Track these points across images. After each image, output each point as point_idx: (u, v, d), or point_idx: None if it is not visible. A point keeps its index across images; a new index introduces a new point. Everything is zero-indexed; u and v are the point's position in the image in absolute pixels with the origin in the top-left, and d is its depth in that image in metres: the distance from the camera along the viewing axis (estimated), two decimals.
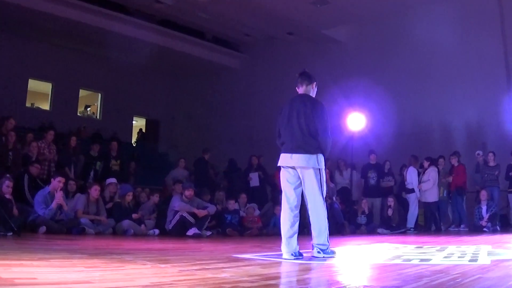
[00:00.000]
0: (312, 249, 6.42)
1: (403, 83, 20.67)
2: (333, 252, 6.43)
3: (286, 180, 6.52)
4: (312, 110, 6.48)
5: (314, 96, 6.86)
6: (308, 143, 6.37)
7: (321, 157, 6.44)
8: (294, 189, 6.46)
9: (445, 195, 16.11)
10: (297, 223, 6.41)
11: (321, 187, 6.41)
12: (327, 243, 6.39)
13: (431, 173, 15.79)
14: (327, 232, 6.44)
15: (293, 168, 6.47)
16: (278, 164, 6.60)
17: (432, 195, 15.80)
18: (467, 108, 18.91)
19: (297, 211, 6.46)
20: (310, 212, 6.46)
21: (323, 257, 6.22)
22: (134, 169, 17.02)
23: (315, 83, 6.93)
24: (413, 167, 16.21)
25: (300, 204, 6.50)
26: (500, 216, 15.65)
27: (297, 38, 23.76)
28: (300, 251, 6.32)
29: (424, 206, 16.24)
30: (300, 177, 6.45)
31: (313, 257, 6.25)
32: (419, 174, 16.19)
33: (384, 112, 19.38)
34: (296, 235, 6.34)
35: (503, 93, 18.56)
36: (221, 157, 19.73)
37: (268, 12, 21.11)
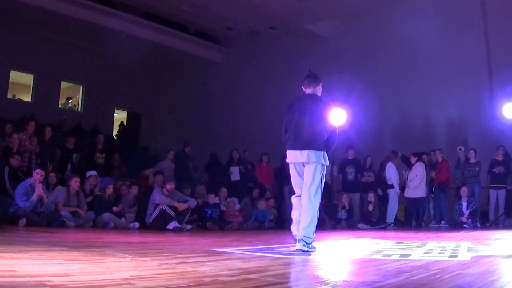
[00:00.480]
0: (298, 241, 6.48)
1: (385, 79, 20.75)
2: (314, 248, 6.50)
3: (295, 176, 6.90)
4: (322, 110, 6.73)
5: (320, 95, 7.07)
6: (316, 141, 6.62)
7: (325, 154, 6.73)
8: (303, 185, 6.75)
9: (427, 190, 16.20)
10: None
11: (321, 182, 6.67)
12: (312, 237, 6.50)
13: (419, 169, 15.86)
14: (315, 226, 6.58)
15: (302, 164, 6.75)
16: (287, 161, 6.94)
17: (419, 191, 15.87)
18: (449, 104, 19.02)
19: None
20: (303, 204, 6.63)
21: (307, 251, 6.30)
22: (119, 161, 16.94)
23: (321, 84, 7.15)
24: (392, 163, 16.28)
25: None
26: (481, 212, 15.77)
27: (279, 33, 23.73)
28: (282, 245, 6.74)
29: (409, 202, 16.27)
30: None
31: (297, 250, 6.33)
32: (404, 170, 16.33)
33: (365, 107, 19.42)
34: None
35: (485, 90, 18.72)
36: (202, 151, 19.70)
37: (251, 6, 21.07)
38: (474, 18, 19.07)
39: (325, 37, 23.20)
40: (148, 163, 17.67)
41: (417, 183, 15.73)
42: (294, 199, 6.96)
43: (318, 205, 6.65)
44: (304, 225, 6.49)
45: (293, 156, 6.80)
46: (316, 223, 6.60)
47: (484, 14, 18.99)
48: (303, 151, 6.65)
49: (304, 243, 6.39)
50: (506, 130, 16.15)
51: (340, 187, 16.94)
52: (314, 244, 6.56)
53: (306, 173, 6.68)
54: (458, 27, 19.28)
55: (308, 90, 7.06)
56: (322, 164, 6.67)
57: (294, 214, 6.89)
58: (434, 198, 16.40)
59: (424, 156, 16.53)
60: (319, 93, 7.09)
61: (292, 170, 6.96)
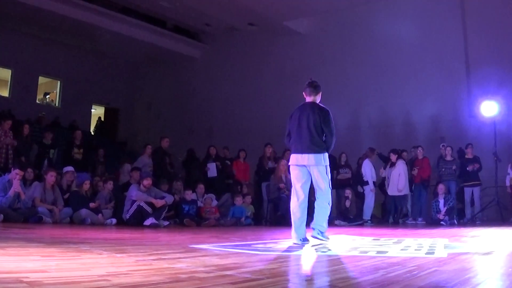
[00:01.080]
0: (313, 230, 7.33)
1: (363, 76, 20.86)
2: (327, 238, 7.38)
3: (295, 177, 7.40)
4: (321, 116, 7.35)
5: (319, 101, 7.71)
6: (316, 144, 7.27)
7: (326, 155, 7.37)
8: (302, 185, 7.32)
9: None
10: (305, 213, 7.30)
11: (328, 179, 7.33)
12: (326, 227, 7.40)
13: (402, 167, 15.95)
14: (327, 217, 7.45)
15: (303, 166, 7.33)
16: (290, 164, 7.54)
17: (405, 189, 15.98)
18: (427, 102, 19.17)
19: (305, 204, 7.32)
20: (317, 200, 7.37)
21: (322, 238, 7.24)
22: (104, 157, 16.83)
23: (320, 92, 7.75)
24: (369, 160, 16.35)
25: (307, 197, 7.36)
26: (458, 210, 15.89)
27: (258, 29, 23.76)
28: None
29: (389, 199, 16.38)
30: (309, 174, 7.33)
31: (312, 237, 7.25)
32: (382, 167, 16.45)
33: (344, 104, 19.52)
34: (304, 223, 7.24)
35: (463, 88, 18.88)
36: (180, 147, 19.67)
37: (229, 2, 21.08)
38: (452, 17, 19.24)
39: (304, 34, 23.26)
40: (126, 159, 17.59)
41: (403, 181, 15.82)
42: (294, 203, 7.36)
43: (330, 199, 7.42)
44: (319, 218, 7.33)
45: (295, 159, 7.40)
46: (328, 215, 7.45)
47: (462, 13, 19.14)
48: (304, 155, 7.28)
49: (319, 232, 7.28)
50: (483, 127, 16.30)
51: None
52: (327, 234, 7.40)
53: (317, 176, 7.26)
54: (437, 25, 19.45)
55: (308, 99, 7.67)
56: (325, 165, 7.30)
57: (294, 219, 7.31)
58: (414, 195, 16.48)
59: (405, 153, 16.65)
60: (318, 100, 7.69)
61: (292, 172, 7.51)
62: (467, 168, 15.74)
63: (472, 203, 15.85)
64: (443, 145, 16.69)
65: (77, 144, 15.24)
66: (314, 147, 7.26)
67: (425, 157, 16.39)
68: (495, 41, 18.08)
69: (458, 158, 16.18)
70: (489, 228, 12.25)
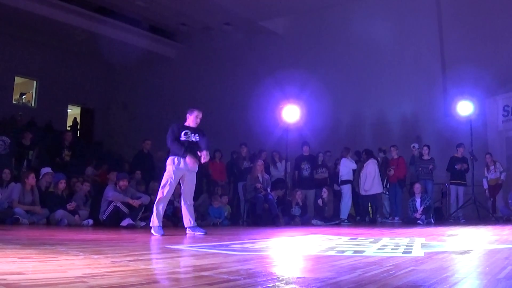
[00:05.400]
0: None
1: (339, 76, 20.92)
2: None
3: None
4: None
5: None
6: None
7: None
8: None
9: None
10: None
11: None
12: None
13: (370, 166, 16.05)
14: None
15: None
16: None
17: (375, 188, 16.08)
18: (403, 101, 19.32)
19: None
20: None
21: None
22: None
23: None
24: (345, 158, 16.42)
25: None
26: (434, 209, 16.03)
27: (233, 29, 23.77)
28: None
29: (363, 198, 16.43)
30: None
31: None
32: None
33: (319, 104, 19.57)
34: None
35: (438, 88, 19.05)
36: (157, 147, 19.65)
37: (205, 1, 21.11)
38: (428, 16, 19.37)
39: (279, 34, 23.32)
40: (103, 159, 17.52)
41: (370, 181, 15.91)
42: None
43: None
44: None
45: None
46: None
47: (438, 12, 19.28)
48: None
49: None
50: (459, 127, 16.43)
51: (293, 184, 17.00)
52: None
53: None
54: (413, 25, 19.58)
55: None
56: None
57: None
58: (390, 195, 16.59)
59: (381, 154, 16.76)
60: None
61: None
62: (455, 167, 15.92)
63: (457, 201, 16.01)
64: (413, 146, 16.85)
65: (67, 146, 15.21)
66: None
67: (400, 157, 16.51)
68: (470, 40, 18.23)
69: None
70: (466, 227, 12.34)
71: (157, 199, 9.25)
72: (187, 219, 9.46)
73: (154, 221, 9.09)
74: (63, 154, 15.03)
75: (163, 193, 9.13)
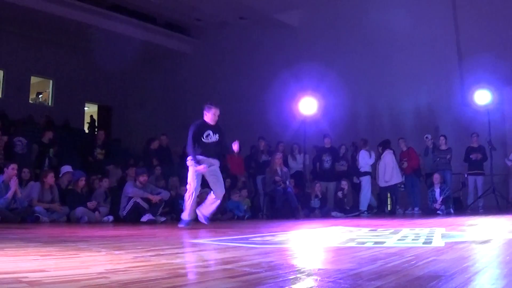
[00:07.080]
0: None
1: (355, 68, 20.79)
2: None
3: None
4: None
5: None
6: None
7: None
8: None
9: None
10: None
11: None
12: None
13: (388, 157, 15.99)
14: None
15: None
16: None
17: (395, 178, 16.03)
18: (420, 92, 19.17)
19: None
20: None
21: None
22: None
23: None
24: (364, 150, 16.35)
25: None
26: (454, 199, 15.92)
27: (249, 23, 23.72)
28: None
29: (382, 189, 16.41)
30: None
31: None
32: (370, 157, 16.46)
33: (336, 96, 19.48)
34: None
35: (455, 77, 18.89)
36: (175, 143, 19.66)
37: None
38: (444, 5, 19.20)
39: (294, 27, 23.22)
40: (121, 156, 17.53)
41: (390, 171, 15.84)
42: None
43: None
44: None
45: None
46: None
47: (453, 2, 19.12)
48: None
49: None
50: (477, 116, 16.31)
51: (313, 176, 16.96)
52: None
53: None
54: (428, 15, 19.42)
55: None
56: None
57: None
58: (407, 186, 16.54)
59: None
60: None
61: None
62: (470, 156, 15.79)
63: (476, 191, 15.89)
64: (426, 137, 16.71)
65: (99, 144, 15.34)
66: None
67: (409, 147, 16.45)
68: (487, 29, 18.04)
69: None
70: (486, 216, 12.27)
71: (185, 194, 9.48)
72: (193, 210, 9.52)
73: (184, 214, 9.40)
74: (95, 152, 15.16)
75: (190, 188, 9.29)
